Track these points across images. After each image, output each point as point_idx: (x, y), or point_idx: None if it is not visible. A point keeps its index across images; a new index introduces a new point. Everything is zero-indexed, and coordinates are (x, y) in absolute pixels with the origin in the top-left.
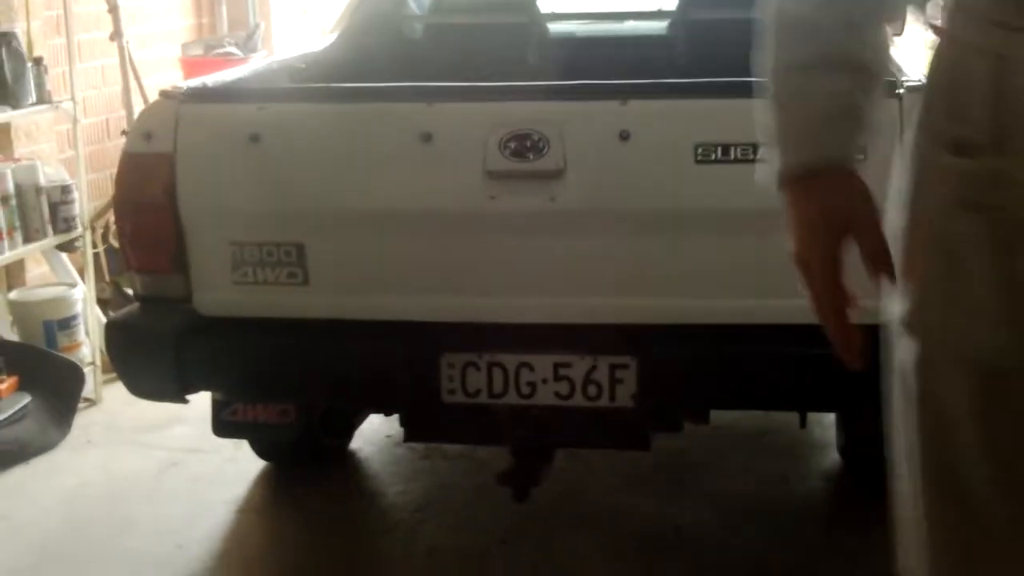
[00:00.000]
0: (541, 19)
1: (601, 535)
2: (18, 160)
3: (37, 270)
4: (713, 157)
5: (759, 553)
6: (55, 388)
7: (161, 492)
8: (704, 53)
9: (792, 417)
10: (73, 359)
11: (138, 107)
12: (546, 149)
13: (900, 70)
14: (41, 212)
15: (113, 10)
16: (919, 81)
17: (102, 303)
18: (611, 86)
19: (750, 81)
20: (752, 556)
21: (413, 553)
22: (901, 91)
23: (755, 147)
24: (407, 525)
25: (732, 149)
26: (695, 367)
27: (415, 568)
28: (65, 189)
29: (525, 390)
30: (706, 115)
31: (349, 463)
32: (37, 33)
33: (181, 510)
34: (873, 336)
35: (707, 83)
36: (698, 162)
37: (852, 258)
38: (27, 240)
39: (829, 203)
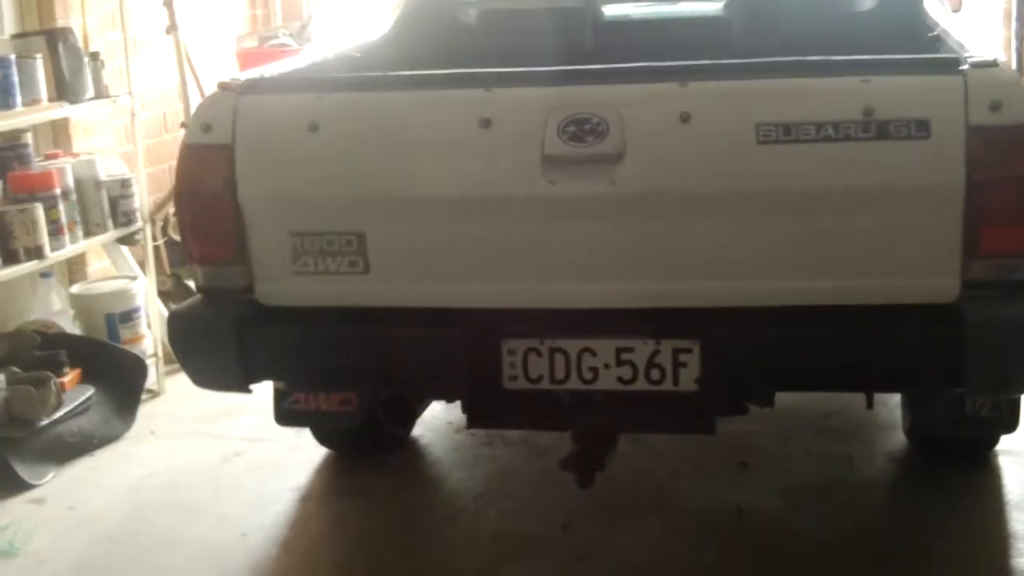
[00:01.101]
0: (595, 2)
1: (664, 519)
2: (77, 155)
3: (98, 264)
4: (774, 137)
5: (822, 536)
6: (118, 380)
7: (224, 481)
8: (761, 33)
9: (857, 399)
10: (135, 351)
11: (195, 100)
12: (605, 133)
13: (962, 46)
14: (101, 206)
15: (168, 3)
16: (983, 57)
17: (163, 295)
18: (670, 68)
19: (809, 60)
20: (815, 539)
21: (476, 539)
22: (964, 67)
23: (817, 126)
24: (470, 511)
25: (793, 129)
26: (759, 349)
27: (478, 554)
28: (124, 183)
29: (587, 375)
30: (766, 95)
31: (411, 450)
32: (93, 28)
33: (244, 499)
34: (947, 315)
35: (767, 63)
36: (760, 143)
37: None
38: (88, 234)
39: None
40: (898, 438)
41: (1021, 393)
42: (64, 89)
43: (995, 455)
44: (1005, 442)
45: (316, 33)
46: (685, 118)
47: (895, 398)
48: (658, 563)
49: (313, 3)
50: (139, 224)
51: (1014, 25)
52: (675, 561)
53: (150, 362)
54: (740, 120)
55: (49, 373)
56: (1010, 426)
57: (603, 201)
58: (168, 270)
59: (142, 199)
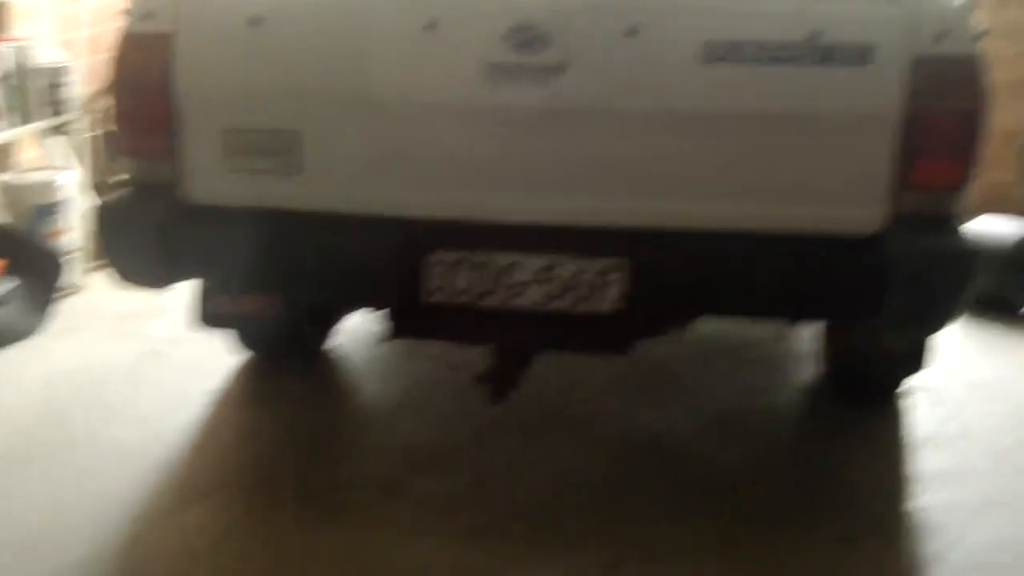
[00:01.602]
0: None
1: (579, 439)
2: (16, 40)
3: (32, 153)
4: (719, 55)
5: (733, 462)
6: (40, 274)
7: (141, 380)
8: None
9: (775, 329)
10: (59, 245)
11: None
12: (550, 43)
13: None
14: (37, 94)
15: None
16: None
17: (100, 188)
18: None
19: None
20: (729, 465)
21: (388, 449)
22: None
23: (761, 46)
24: (384, 421)
25: (739, 48)
26: (683, 272)
27: (390, 463)
28: (63, 71)
29: (512, 291)
30: (714, 12)
31: (331, 359)
32: None
33: (160, 399)
34: (871, 246)
35: None
36: (705, 61)
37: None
38: (23, 122)
39: None
40: (813, 370)
41: (938, 329)
42: None
43: (907, 391)
44: (917, 379)
45: None
46: (631, 32)
47: (813, 330)
48: (569, 479)
49: None
50: (76, 114)
51: None
52: (586, 477)
53: (76, 256)
54: (686, 37)
55: None
56: (922, 364)
57: (543, 112)
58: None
59: (81, 89)
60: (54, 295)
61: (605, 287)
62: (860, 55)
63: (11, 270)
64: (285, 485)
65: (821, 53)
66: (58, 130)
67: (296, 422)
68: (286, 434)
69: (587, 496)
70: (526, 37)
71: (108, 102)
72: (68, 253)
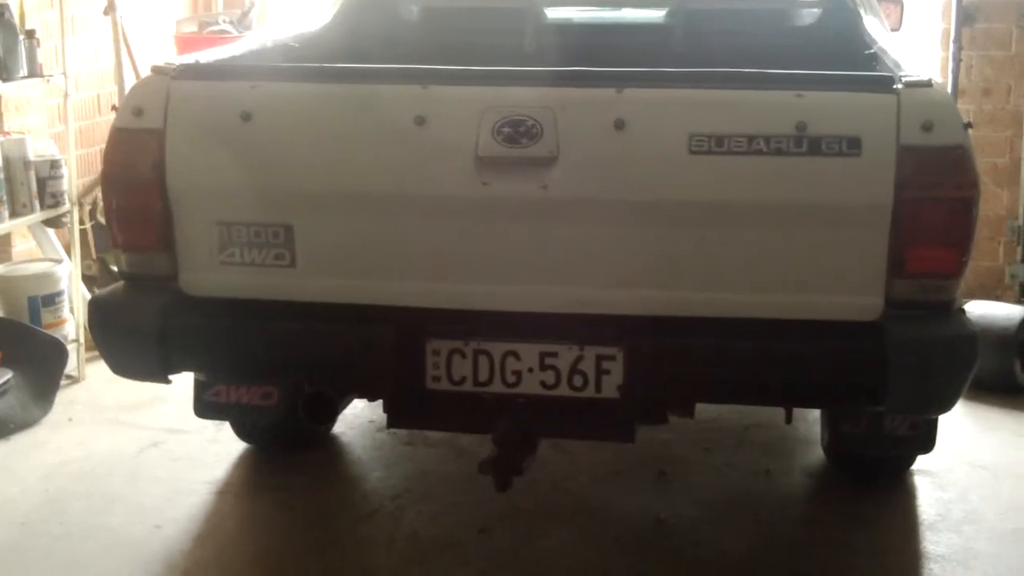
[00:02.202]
0: (539, 4)
1: (582, 526)
2: (7, 134)
3: (24, 245)
4: (707, 148)
5: (739, 547)
6: (38, 365)
7: (141, 472)
8: (702, 42)
9: (777, 413)
10: (56, 336)
11: (130, 83)
12: (539, 135)
13: (898, 65)
14: (29, 187)
15: None
16: (918, 77)
17: (88, 280)
18: (607, 73)
19: (744, 72)
20: (732, 550)
21: (392, 539)
22: (898, 87)
23: (749, 139)
24: (387, 511)
25: (726, 140)
26: (682, 360)
27: (394, 554)
28: (54, 164)
29: (511, 379)
30: (701, 105)
31: (331, 447)
32: (30, 5)
33: (160, 490)
34: (869, 333)
35: (702, 73)
36: (692, 152)
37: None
38: (14, 215)
39: None
40: (816, 453)
41: (939, 414)
42: None
43: (911, 474)
44: (921, 462)
45: (257, 21)
46: (619, 124)
47: (815, 413)
48: (574, 569)
49: None
50: (67, 207)
51: (951, 47)
52: (591, 568)
53: (71, 347)
54: (674, 129)
55: None
56: (927, 446)
57: (534, 204)
58: (94, 254)
59: (71, 181)
60: (55, 385)
61: (604, 374)
62: (847, 145)
63: (8, 361)
64: None
65: (808, 144)
66: (49, 222)
67: (298, 513)
68: (288, 525)
69: None
70: (516, 130)
71: (98, 195)
72: (66, 344)
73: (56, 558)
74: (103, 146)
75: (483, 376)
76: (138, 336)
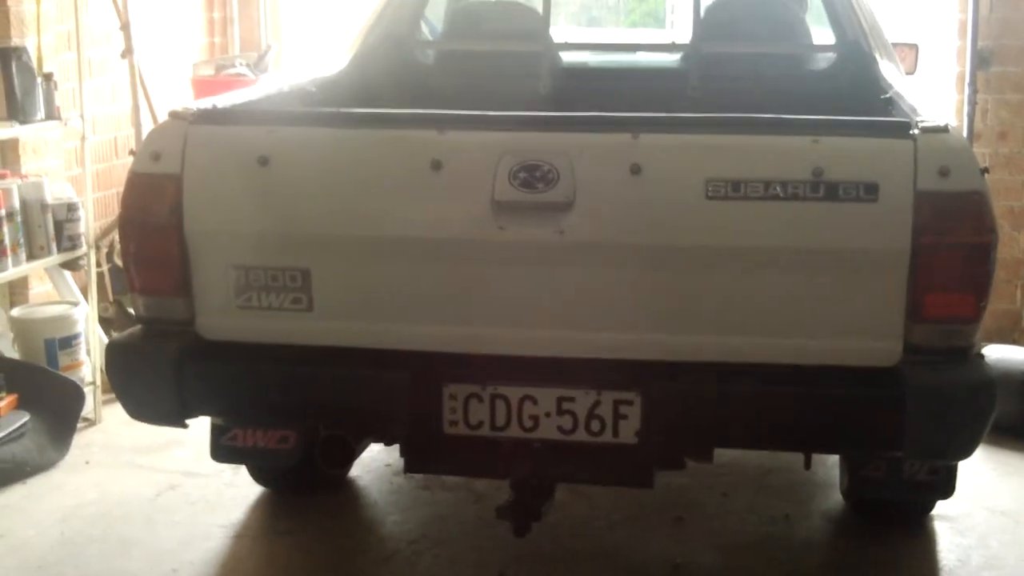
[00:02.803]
0: (554, 48)
1: (600, 571)
2: (25, 176)
3: (40, 288)
4: (724, 193)
5: None
6: (55, 407)
7: (158, 515)
8: (716, 87)
9: (796, 457)
10: (73, 378)
11: (147, 126)
12: (556, 180)
13: (914, 109)
14: (46, 229)
15: (125, 27)
16: (934, 122)
17: (105, 322)
18: (623, 119)
19: (760, 117)
20: None
21: None
22: (915, 132)
23: (766, 184)
24: (404, 555)
25: (743, 186)
26: (700, 405)
27: None
28: (71, 207)
29: (528, 423)
30: (717, 151)
31: (348, 491)
32: (48, 48)
33: (177, 533)
34: (887, 379)
35: (719, 118)
36: (709, 198)
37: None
38: (31, 257)
39: None
40: (835, 498)
41: (959, 459)
42: (15, 108)
43: (931, 519)
44: (941, 507)
45: (273, 64)
46: (636, 170)
47: (834, 458)
48: None
49: (272, 34)
50: (84, 249)
51: (967, 90)
52: None
53: (88, 390)
54: (690, 174)
55: None
56: (947, 491)
57: (551, 249)
58: (111, 297)
59: (88, 224)
60: (72, 428)
61: (622, 419)
62: (864, 191)
63: (25, 404)
64: None
65: (825, 190)
66: (67, 265)
67: (315, 557)
68: (305, 569)
69: None
70: (532, 175)
71: (115, 237)
72: (83, 386)
73: None
74: (120, 189)
75: (500, 421)
76: (155, 380)
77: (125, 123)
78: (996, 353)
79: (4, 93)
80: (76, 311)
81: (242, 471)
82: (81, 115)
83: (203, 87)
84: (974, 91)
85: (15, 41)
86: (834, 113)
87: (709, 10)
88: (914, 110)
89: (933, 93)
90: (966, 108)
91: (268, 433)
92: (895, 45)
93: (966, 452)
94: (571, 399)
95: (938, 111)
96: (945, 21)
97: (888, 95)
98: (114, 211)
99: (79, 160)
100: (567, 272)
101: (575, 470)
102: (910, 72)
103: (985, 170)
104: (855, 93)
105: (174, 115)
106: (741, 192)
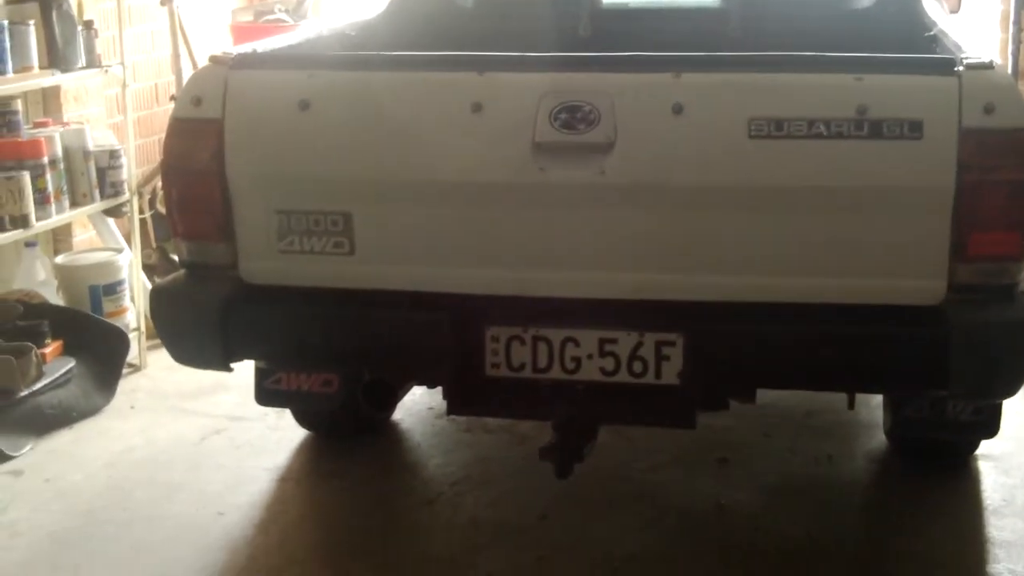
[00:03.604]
0: None
1: (642, 513)
2: (67, 124)
3: (84, 235)
4: (766, 132)
5: (800, 533)
6: (100, 353)
7: (203, 459)
8: (758, 26)
9: (839, 398)
10: (118, 325)
11: (187, 72)
12: (597, 121)
13: (958, 47)
14: (89, 177)
15: None
16: (979, 59)
17: (148, 269)
18: (664, 58)
19: (803, 56)
20: (793, 536)
21: (453, 526)
22: (959, 69)
23: (809, 122)
24: (447, 498)
25: (786, 124)
26: (743, 345)
27: (455, 541)
28: (113, 154)
29: (570, 365)
30: (760, 89)
31: (391, 434)
32: None
33: (222, 477)
34: (932, 317)
35: (761, 57)
36: (751, 137)
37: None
38: (74, 204)
39: None
40: (879, 438)
41: (1003, 398)
42: (56, 57)
43: (975, 459)
44: (985, 446)
45: (312, 10)
46: (677, 109)
47: (877, 398)
48: (635, 555)
49: None
50: (126, 196)
51: (1011, 28)
52: (651, 554)
53: (132, 336)
54: (732, 113)
55: (30, 344)
56: (991, 431)
57: (592, 190)
58: (154, 243)
59: (130, 171)
60: (118, 374)
61: (664, 360)
62: (909, 129)
63: (71, 350)
64: (351, 564)
65: (869, 128)
66: (110, 212)
67: (359, 500)
68: (350, 512)
69: (653, 572)
70: (573, 116)
71: (158, 184)
72: (128, 332)
73: (120, 545)
74: (161, 135)
75: (542, 363)
76: (199, 325)
77: (165, 70)
78: None
79: (45, 42)
80: (120, 258)
81: (286, 415)
82: (122, 62)
83: (242, 33)
84: (1019, 29)
85: None
86: (878, 51)
87: None
88: (958, 47)
89: (978, 31)
90: (1010, 46)
91: (312, 377)
92: None
93: (1011, 391)
94: (613, 340)
95: (982, 49)
96: None
97: (932, 33)
98: (155, 158)
99: (120, 107)
100: (608, 213)
101: (617, 411)
102: (954, 11)
103: None
104: (898, 31)
105: (214, 60)
106: (784, 131)
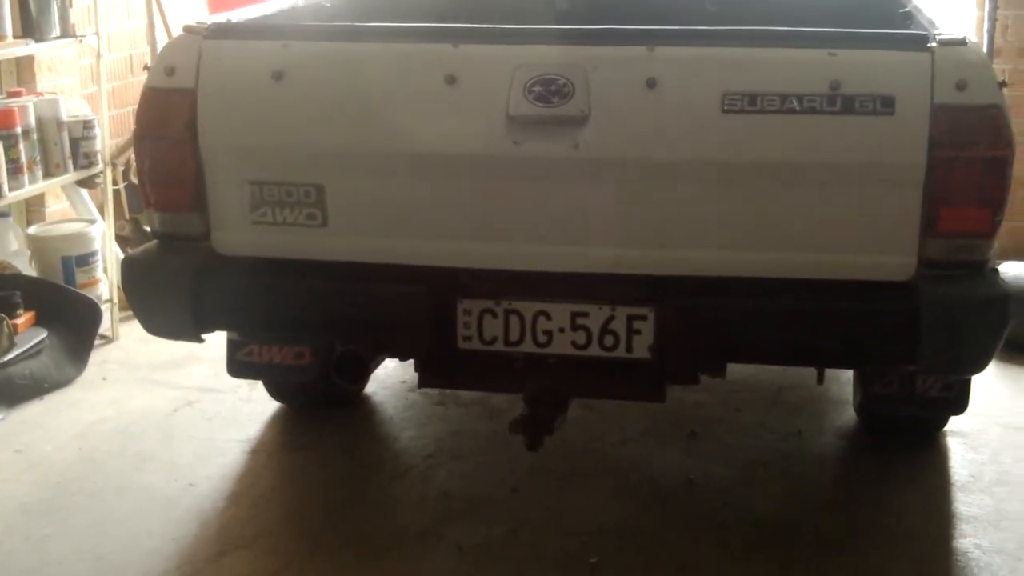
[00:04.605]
0: None
1: (612, 486)
2: (40, 94)
3: (57, 206)
4: (740, 107)
5: (769, 507)
6: (72, 324)
7: (175, 430)
8: (734, 1)
9: (809, 374)
10: (90, 296)
11: (162, 43)
12: (571, 94)
13: (932, 23)
14: (62, 147)
15: None
16: (952, 35)
17: (121, 240)
18: (639, 32)
19: (777, 30)
20: (762, 510)
21: (424, 498)
22: (932, 45)
23: (782, 97)
24: (419, 470)
25: (759, 99)
26: (713, 320)
27: (425, 513)
28: (87, 124)
29: (541, 338)
30: (734, 64)
31: (363, 407)
32: None
33: (193, 449)
34: (902, 293)
35: (735, 31)
36: (725, 111)
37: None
38: (47, 175)
39: None
40: (848, 414)
41: (972, 374)
42: (30, 26)
43: (943, 435)
44: (954, 423)
45: None
46: (652, 83)
47: (847, 374)
48: (605, 529)
49: None
50: (100, 167)
51: (987, 6)
52: (621, 527)
53: (105, 307)
54: (706, 88)
55: (2, 314)
56: (960, 407)
57: (566, 164)
58: (127, 215)
59: (104, 141)
60: (90, 345)
61: (635, 334)
62: (881, 104)
63: (43, 321)
64: (322, 535)
65: (842, 103)
66: (83, 183)
67: (330, 471)
68: (321, 484)
69: (623, 544)
70: (547, 89)
71: (131, 155)
72: (100, 303)
73: (91, 516)
74: (135, 106)
75: (514, 336)
76: (171, 295)
77: (140, 40)
78: (1012, 270)
79: (19, 11)
80: (92, 229)
81: (258, 387)
82: (96, 32)
83: (218, 4)
84: (995, 7)
85: None
86: (852, 26)
87: None
88: (932, 24)
89: (953, 8)
90: (986, 24)
91: (284, 349)
92: None
93: (979, 367)
94: (585, 314)
95: (957, 25)
96: None
97: (906, 9)
98: (129, 129)
99: (94, 78)
100: (582, 187)
101: (588, 385)
102: None
103: (1003, 83)
104: (873, 7)
105: (188, 30)
106: (757, 106)
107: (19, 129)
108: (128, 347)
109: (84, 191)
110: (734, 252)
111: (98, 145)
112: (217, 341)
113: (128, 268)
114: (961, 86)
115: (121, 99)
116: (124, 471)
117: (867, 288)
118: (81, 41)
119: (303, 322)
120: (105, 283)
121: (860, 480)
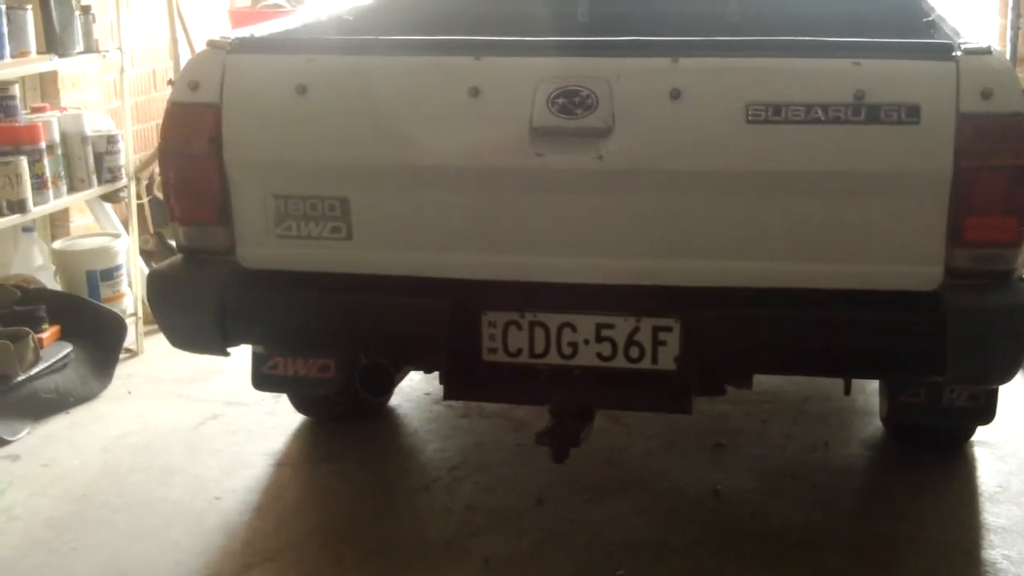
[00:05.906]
0: None
1: (638, 498)
2: (64, 109)
3: (81, 220)
4: (764, 117)
5: (796, 519)
6: (97, 338)
7: (199, 444)
8: (756, 11)
9: (835, 384)
10: (115, 310)
11: (185, 58)
12: (594, 106)
13: (956, 32)
14: (86, 162)
15: None
16: (976, 44)
17: (146, 254)
18: (662, 43)
19: (801, 40)
20: (788, 524)
21: (449, 511)
22: (957, 54)
23: (807, 107)
24: (444, 482)
25: (783, 109)
26: (740, 331)
27: (451, 525)
28: (111, 139)
29: (566, 350)
30: (758, 74)
31: (388, 420)
32: None
33: (219, 462)
34: (928, 303)
35: (759, 41)
36: (749, 122)
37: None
38: (72, 190)
39: None
40: (875, 425)
41: (999, 384)
42: (54, 42)
43: (971, 445)
44: (981, 433)
45: None
46: (675, 94)
47: (873, 384)
48: (630, 541)
49: None
50: (124, 181)
51: (1010, 14)
52: (647, 539)
53: (129, 321)
54: (730, 98)
55: (27, 329)
56: (987, 417)
57: (590, 175)
58: (152, 229)
59: (128, 156)
60: (115, 359)
61: (661, 345)
62: (906, 114)
63: (67, 336)
64: (347, 548)
65: (867, 112)
66: (107, 197)
67: (356, 484)
68: (345, 496)
69: (649, 556)
70: (571, 101)
71: (155, 169)
72: (125, 317)
73: (116, 529)
74: (159, 121)
75: (539, 348)
76: (196, 309)
77: (163, 55)
78: None
79: (43, 26)
80: (117, 243)
81: (283, 400)
82: (119, 47)
83: (240, 18)
84: (1017, 15)
85: None
86: (876, 36)
87: None
88: (956, 33)
89: (976, 17)
90: (1008, 32)
91: (309, 362)
92: None
93: (1007, 376)
94: (610, 326)
95: (981, 34)
96: None
97: (930, 18)
98: (153, 143)
99: (118, 92)
100: (606, 198)
101: (614, 396)
102: None
103: None
104: (897, 16)
105: (212, 44)
106: (782, 116)
107: (43, 144)
108: (153, 361)
109: (108, 205)
110: (759, 263)
111: (122, 160)
112: (242, 355)
113: (154, 282)
114: (986, 95)
115: (144, 114)
116: (149, 485)
117: (893, 298)
118: (104, 56)
119: (327, 335)
120: (130, 297)
121: (887, 491)
